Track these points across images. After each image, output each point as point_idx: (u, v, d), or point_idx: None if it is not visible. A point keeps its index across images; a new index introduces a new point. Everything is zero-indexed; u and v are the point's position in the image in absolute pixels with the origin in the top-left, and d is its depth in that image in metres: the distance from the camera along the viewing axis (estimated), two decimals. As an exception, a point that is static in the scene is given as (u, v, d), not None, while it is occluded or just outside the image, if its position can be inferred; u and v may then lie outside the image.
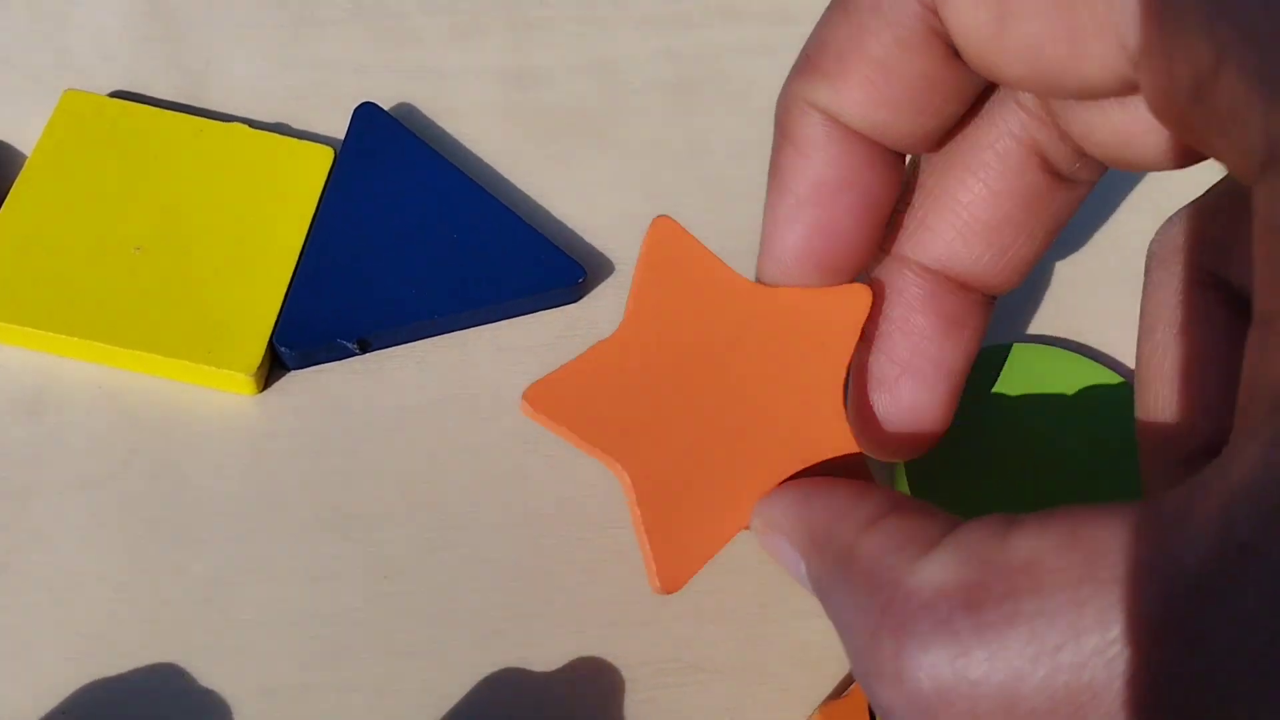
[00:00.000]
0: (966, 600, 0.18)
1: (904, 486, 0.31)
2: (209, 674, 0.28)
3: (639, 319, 0.26)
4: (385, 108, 0.36)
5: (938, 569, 0.18)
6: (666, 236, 0.26)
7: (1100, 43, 0.20)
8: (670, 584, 0.25)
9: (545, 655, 0.29)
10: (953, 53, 0.23)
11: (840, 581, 0.20)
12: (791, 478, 0.26)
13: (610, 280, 0.35)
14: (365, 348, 0.32)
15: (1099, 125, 0.22)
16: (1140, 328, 0.24)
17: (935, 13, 0.22)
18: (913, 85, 0.24)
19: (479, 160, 0.36)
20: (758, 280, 0.26)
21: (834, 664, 0.30)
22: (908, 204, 0.26)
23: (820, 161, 0.25)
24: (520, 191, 0.36)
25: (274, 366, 0.32)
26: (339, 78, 0.37)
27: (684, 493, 0.25)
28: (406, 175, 0.34)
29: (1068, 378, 0.33)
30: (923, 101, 0.24)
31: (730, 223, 0.33)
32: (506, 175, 0.36)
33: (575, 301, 0.34)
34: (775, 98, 0.39)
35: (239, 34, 0.37)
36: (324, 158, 0.34)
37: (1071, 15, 0.20)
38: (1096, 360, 0.34)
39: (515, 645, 0.29)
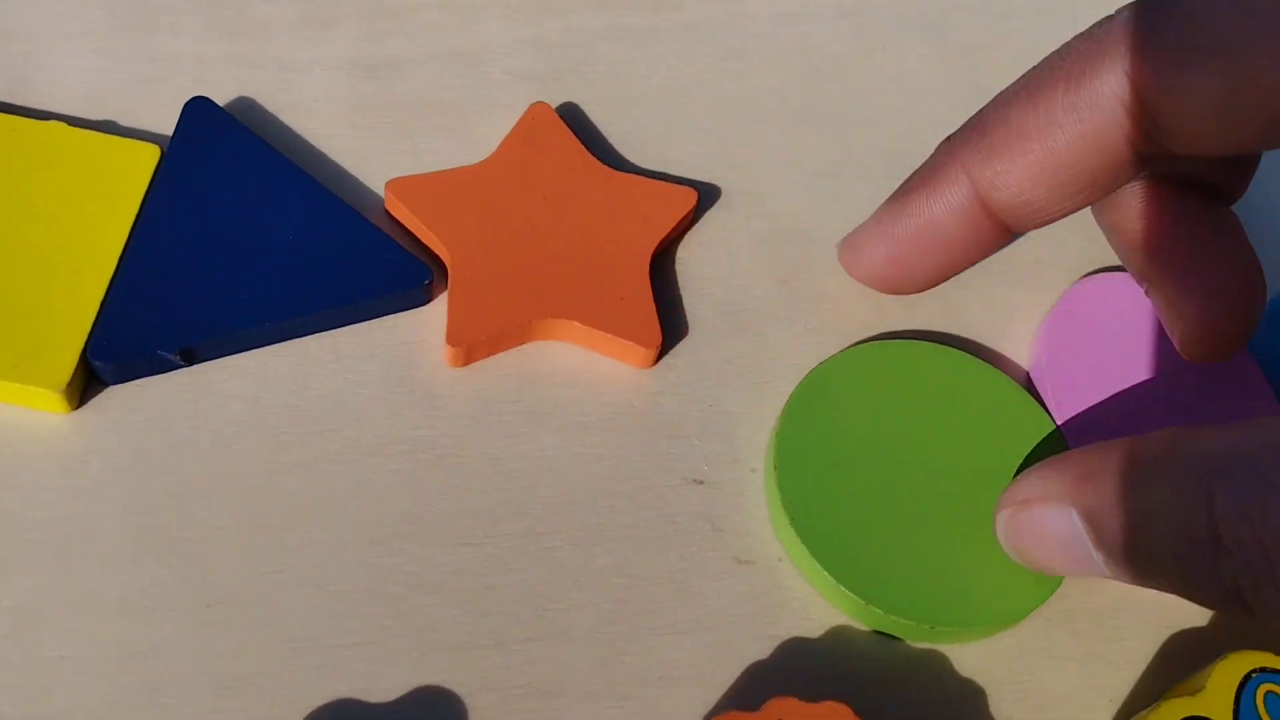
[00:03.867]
0: None
1: (777, 469, 0.30)
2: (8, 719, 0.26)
3: (500, 160, 0.33)
4: (224, 103, 0.34)
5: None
6: (540, 117, 0.34)
7: None
8: (455, 339, 0.30)
9: (384, 685, 0.27)
10: (1129, 152, 0.26)
11: (1152, 476, 0.23)
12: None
13: (464, 281, 0.33)
14: (190, 359, 0.30)
15: (1184, 117, 0.25)
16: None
17: (1138, 112, 0.25)
18: (1080, 176, 0.27)
19: (325, 157, 0.34)
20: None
21: (697, 685, 0.28)
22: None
23: (945, 219, 0.29)
24: (369, 190, 0.34)
25: (91, 382, 0.30)
26: (175, 72, 0.35)
27: (490, 290, 0.31)
28: (240, 174, 0.32)
29: (948, 374, 0.31)
30: (1082, 187, 0.27)
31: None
32: (355, 173, 0.34)
33: (424, 304, 0.32)
34: (648, 86, 0.37)
35: (65, 26, 0.35)
36: (150, 156, 0.32)
37: None
38: (976, 355, 0.32)
39: (352, 675, 0.27)
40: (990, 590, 0.28)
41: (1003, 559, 0.28)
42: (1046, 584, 0.29)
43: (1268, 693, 0.27)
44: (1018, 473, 0.30)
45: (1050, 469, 0.26)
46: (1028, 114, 0.27)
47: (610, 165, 0.34)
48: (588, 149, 0.34)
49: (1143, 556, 0.23)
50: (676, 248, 0.34)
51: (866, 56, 0.39)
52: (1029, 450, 0.30)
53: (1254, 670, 0.27)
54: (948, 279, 0.31)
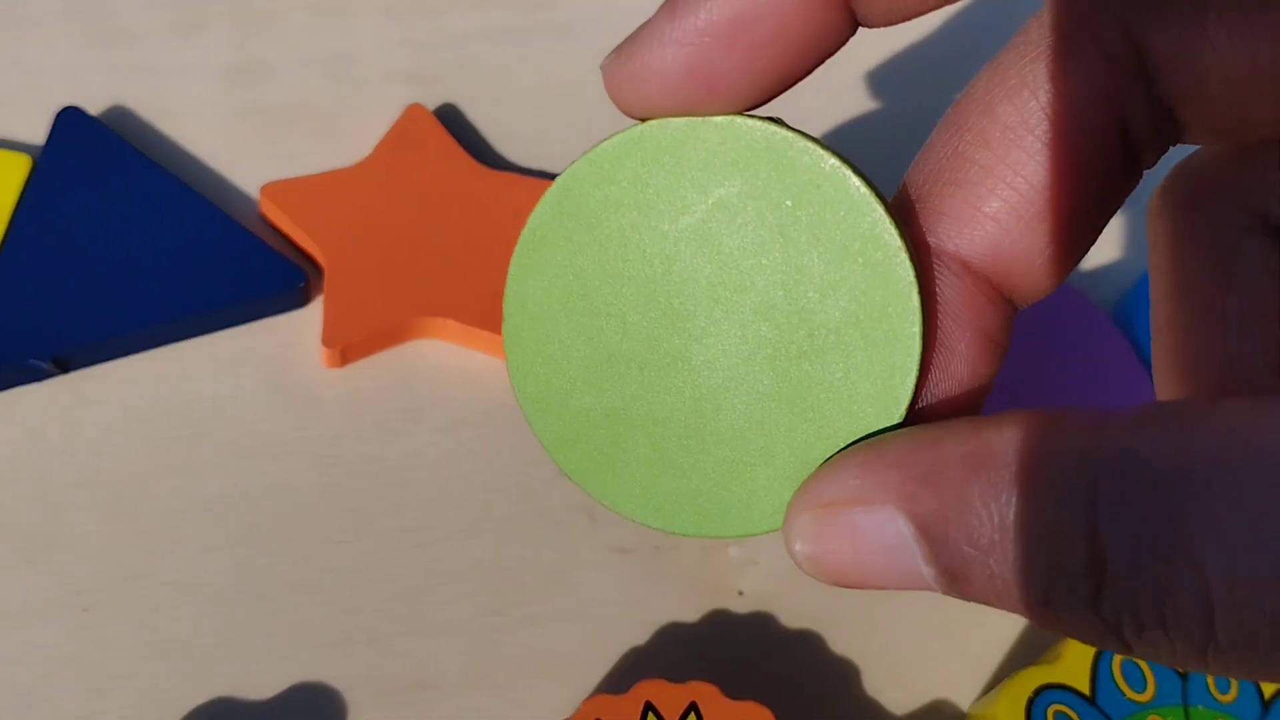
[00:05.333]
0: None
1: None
2: (-117, 729, 0.26)
3: (375, 162, 0.34)
4: (98, 111, 0.34)
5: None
6: (417, 119, 0.35)
7: None
8: (331, 340, 0.31)
9: (260, 682, 0.28)
10: None
11: (1013, 482, 0.17)
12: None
13: (340, 282, 0.33)
14: (64, 367, 0.30)
15: (1214, 72, 0.18)
16: (1162, 279, 0.21)
17: None
18: None
19: (201, 163, 0.34)
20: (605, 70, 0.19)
21: (573, 672, 0.29)
22: (951, 180, 0.20)
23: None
24: (245, 194, 0.34)
25: (-39, 393, 0.30)
26: (46, 81, 0.35)
27: (365, 290, 0.32)
28: (112, 182, 0.32)
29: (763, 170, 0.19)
30: None
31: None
32: (231, 178, 0.34)
33: (301, 307, 0.32)
34: (524, 85, 0.38)
35: (-66, 39, 0.35)
36: (20, 166, 0.32)
37: None
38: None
39: (227, 674, 0.28)
40: (755, 492, 0.19)
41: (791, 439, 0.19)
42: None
43: (1123, 661, 0.28)
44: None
45: (868, 462, 0.18)
46: None
47: (487, 164, 0.35)
48: (464, 149, 0.35)
49: (994, 581, 0.18)
50: (554, 244, 0.35)
51: (742, 52, 0.39)
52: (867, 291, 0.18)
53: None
54: (777, 95, 0.19)
